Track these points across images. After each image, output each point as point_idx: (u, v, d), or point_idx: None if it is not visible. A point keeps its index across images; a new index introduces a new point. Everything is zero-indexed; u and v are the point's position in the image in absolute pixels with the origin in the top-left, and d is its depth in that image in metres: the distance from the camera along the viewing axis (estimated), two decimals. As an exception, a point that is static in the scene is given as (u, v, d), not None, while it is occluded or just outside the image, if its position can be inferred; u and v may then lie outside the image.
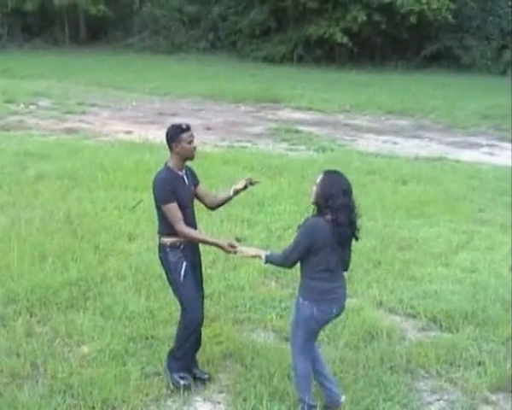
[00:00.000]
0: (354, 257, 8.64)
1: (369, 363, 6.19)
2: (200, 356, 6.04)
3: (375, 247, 9.15)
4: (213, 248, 5.91)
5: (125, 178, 12.09)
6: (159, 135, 17.33)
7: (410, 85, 29.43)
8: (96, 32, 45.58)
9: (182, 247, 5.52)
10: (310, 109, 22.90)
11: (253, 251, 5.43)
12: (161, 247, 5.61)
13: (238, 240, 5.56)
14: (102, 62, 35.67)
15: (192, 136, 5.51)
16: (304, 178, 12.40)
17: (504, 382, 6.00)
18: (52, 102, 22.71)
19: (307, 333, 5.18)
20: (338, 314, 5.26)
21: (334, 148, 16.24)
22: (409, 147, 17.11)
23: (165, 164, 5.59)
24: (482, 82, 31.32)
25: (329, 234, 4.96)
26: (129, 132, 17.70)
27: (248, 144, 16.55)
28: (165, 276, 5.79)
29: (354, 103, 23.98)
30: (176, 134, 5.47)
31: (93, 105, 22.57)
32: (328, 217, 4.97)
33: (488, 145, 17.64)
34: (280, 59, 38.55)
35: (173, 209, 5.41)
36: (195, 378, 5.79)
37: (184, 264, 5.52)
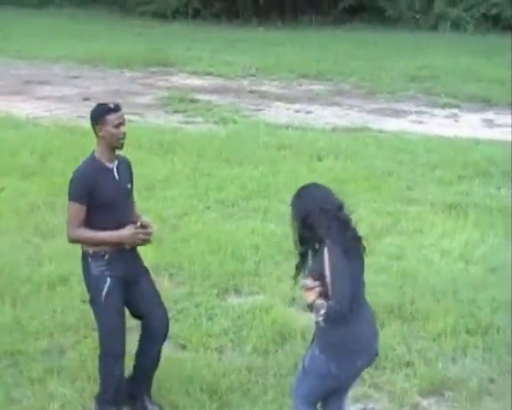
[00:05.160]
0: (262, 247, 8.85)
1: (280, 370, 6.30)
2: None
3: (286, 234, 9.15)
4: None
5: (-16, 161, 11.81)
6: (25, 108, 17.14)
7: (326, 44, 29.73)
8: None
9: (107, 257, 5.32)
10: (208, 74, 22.83)
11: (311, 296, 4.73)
12: (83, 255, 5.44)
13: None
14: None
15: (121, 118, 5.37)
16: (201, 156, 12.40)
17: (436, 384, 6.21)
18: None
19: (320, 391, 4.94)
20: (368, 365, 5.00)
21: (237, 119, 16.26)
22: (325, 116, 17.30)
23: (92, 152, 5.46)
24: (410, 38, 31.93)
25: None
26: (-13, 106, 17.29)
27: (135, 117, 16.34)
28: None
29: (261, 66, 24.04)
30: (100, 115, 5.34)
31: None
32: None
33: (417, 112, 18.00)
34: (172, 14, 38.20)
35: (76, 211, 5.27)
36: None
37: (108, 280, 5.32)
